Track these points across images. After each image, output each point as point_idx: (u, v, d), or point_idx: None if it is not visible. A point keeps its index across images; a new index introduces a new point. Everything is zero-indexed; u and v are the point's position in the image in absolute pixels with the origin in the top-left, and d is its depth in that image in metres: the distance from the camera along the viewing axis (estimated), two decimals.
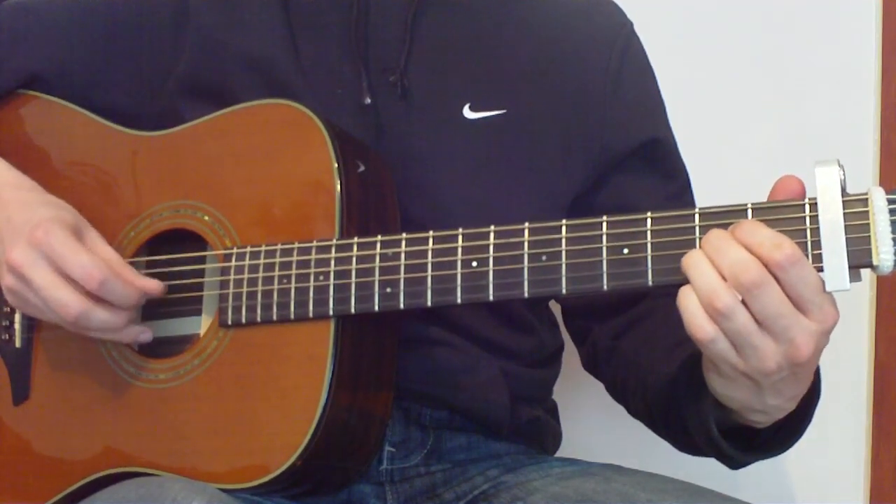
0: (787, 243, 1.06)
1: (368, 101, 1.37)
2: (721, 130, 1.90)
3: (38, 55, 1.45)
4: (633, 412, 1.43)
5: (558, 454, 1.52)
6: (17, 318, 1.39)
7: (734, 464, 1.27)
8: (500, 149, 1.39)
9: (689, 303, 1.08)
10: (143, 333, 1.33)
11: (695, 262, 1.08)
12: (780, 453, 1.27)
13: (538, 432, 1.48)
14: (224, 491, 1.21)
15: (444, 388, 1.38)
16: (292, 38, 1.40)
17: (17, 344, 1.39)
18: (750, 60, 1.91)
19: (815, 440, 1.90)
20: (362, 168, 1.29)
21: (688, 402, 1.23)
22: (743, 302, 1.07)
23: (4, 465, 1.38)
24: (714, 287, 1.06)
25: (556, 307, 1.54)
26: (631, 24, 1.50)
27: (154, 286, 1.31)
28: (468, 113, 1.39)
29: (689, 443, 1.28)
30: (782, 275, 1.06)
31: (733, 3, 1.92)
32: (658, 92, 1.51)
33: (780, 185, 1.12)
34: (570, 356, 1.53)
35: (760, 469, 1.92)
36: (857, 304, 1.88)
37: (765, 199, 1.12)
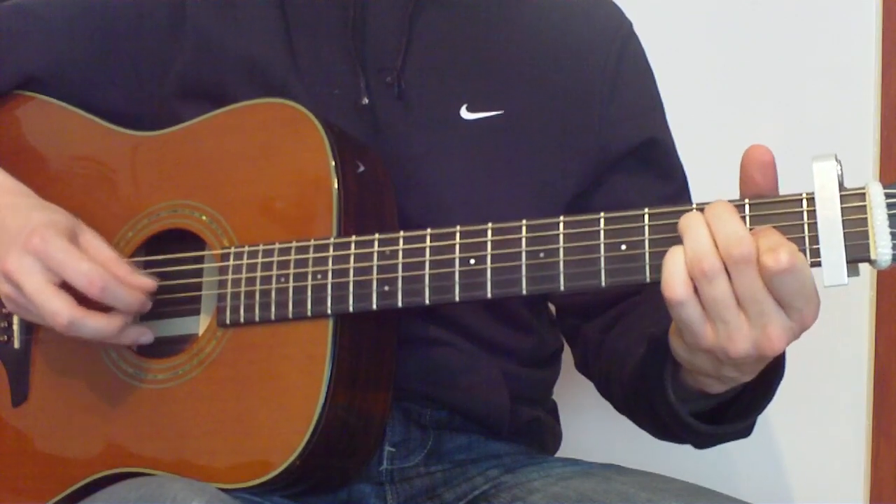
0: (785, 251, 1.04)
1: (365, 101, 1.37)
2: (721, 130, 1.90)
3: (35, 56, 1.45)
4: (618, 406, 1.42)
5: (558, 454, 1.52)
6: (16, 319, 1.39)
7: (697, 438, 1.27)
8: (497, 149, 1.39)
9: (674, 260, 1.08)
10: (144, 335, 1.32)
11: (692, 224, 1.08)
12: (742, 434, 1.27)
13: (538, 432, 1.48)
14: (223, 490, 1.21)
15: (444, 388, 1.38)
16: (289, 38, 1.40)
17: (16, 345, 1.39)
18: (750, 60, 1.91)
19: (815, 440, 1.92)
20: (362, 168, 1.29)
21: (651, 372, 1.23)
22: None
23: (4, 467, 1.38)
24: (706, 249, 1.06)
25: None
26: (630, 24, 1.49)
27: (149, 283, 1.30)
28: (465, 113, 1.39)
29: (658, 425, 1.29)
30: (775, 281, 1.05)
31: (733, 2, 1.92)
32: (656, 92, 1.50)
33: (750, 156, 1.11)
34: (570, 356, 1.53)
35: (760, 469, 1.93)
36: (857, 304, 1.87)
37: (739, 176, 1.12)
